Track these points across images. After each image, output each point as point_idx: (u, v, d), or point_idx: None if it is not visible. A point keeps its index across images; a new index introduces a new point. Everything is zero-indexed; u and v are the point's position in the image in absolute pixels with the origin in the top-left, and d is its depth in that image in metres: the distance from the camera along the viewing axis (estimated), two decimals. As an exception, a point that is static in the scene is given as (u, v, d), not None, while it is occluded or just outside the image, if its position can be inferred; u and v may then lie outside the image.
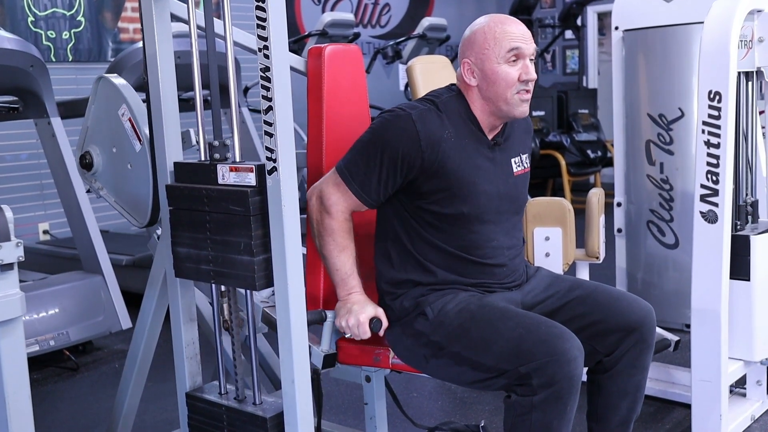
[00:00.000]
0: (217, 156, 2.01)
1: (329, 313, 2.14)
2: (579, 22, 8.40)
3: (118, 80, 2.40)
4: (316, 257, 2.17)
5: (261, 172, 1.86)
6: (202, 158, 2.06)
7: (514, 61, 2.03)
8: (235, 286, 2.01)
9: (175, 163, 2.10)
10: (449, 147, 2.02)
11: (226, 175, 1.94)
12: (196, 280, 2.11)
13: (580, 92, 8.10)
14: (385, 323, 2.09)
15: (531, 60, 2.06)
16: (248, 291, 2.05)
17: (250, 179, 1.89)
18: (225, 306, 2.13)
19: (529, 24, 7.88)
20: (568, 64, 9.47)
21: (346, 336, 2.11)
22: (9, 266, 1.62)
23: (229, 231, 1.93)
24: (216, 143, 2.01)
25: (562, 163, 7.19)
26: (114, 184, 2.43)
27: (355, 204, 2.06)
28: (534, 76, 2.05)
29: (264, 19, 1.75)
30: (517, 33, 2.04)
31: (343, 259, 2.07)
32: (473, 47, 2.07)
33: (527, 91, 2.05)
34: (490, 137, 2.11)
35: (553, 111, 7.73)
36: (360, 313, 2.05)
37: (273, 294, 2.48)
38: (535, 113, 7.52)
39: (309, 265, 2.23)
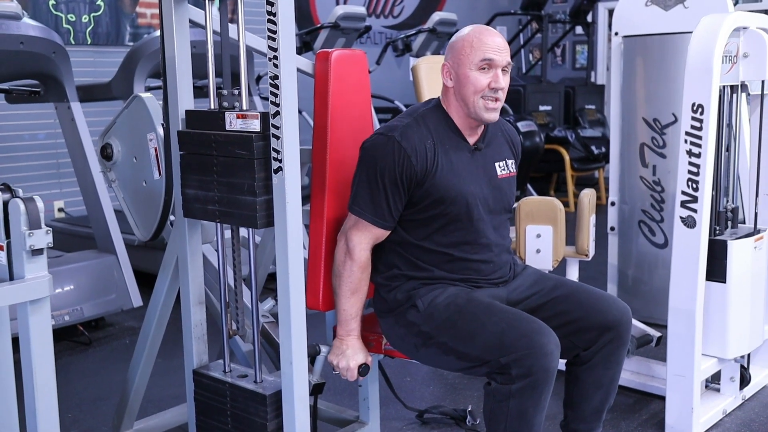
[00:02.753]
0: (225, 104, 2.16)
1: (323, 348, 2.34)
2: (589, 18, 8.48)
3: (152, 106, 2.53)
4: (316, 263, 2.33)
5: (265, 119, 2.01)
6: (212, 107, 2.21)
7: (486, 69, 2.19)
8: (239, 224, 2.16)
9: (187, 111, 2.25)
10: (434, 154, 2.19)
11: (233, 122, 2.09)
12: (202, 219, 2.26)
13: (587, 88, 8.17)
14: (371, 369, 2.31)
15: (504, 71, 2.21)
16: (254, 301, 2.22)
17: (255, 125, 2.04)
18: (230, 318, 2.33)
19: (539, 19, 7.97)
20: (577, 60, 9.57)
21: (335, 372, 2.31)
22: (39, 251, 1.79)
23: (234, 173, 2.08)
24: (225, 92, 2.16)
25: (566, 158, 7.29)
26: (126, 184, 2.59)
27: (375, 234, 2.23)
28: (502, 85, 2.20)
29: (274, 31, 1.91)
30: (492, 45, 2.19)
31: (353, 302, 2.25)
32: (453, 51, 2.24)
33: (495, 99, 2.21)
34: (471, 142, 2.28)
35: (560, 106, 7.81)
36: (351, 359, 2.26)
37: (274, 305, 2.66)
38: (541, 108, 7.61)
39: (310, 270, 2.38)
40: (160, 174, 2.46)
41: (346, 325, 2.27)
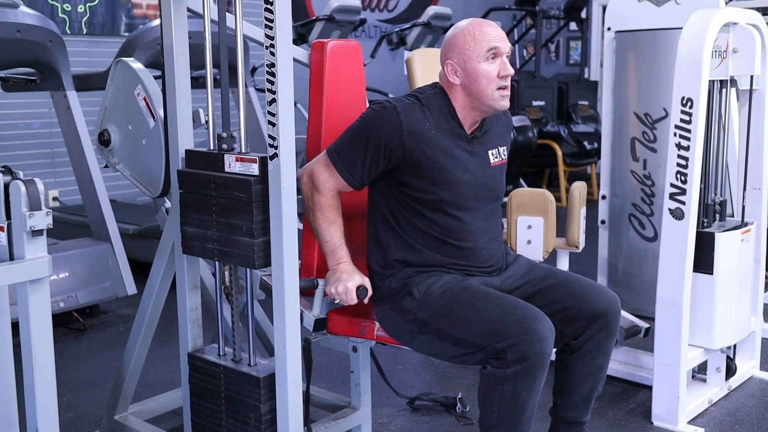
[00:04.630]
0: (224, 146, 2.20)
1: (320, 281, 2.32)
2: (584, 14, 8.52)
3: (134, 64, 2.58)
4: (310, 232, 2.36)
5: (264, 163, 2.06)
6: (211, 147, 2.25)
7: (492, 59, 2.24)
8: (237, 264, 2.21)
9: (187, 151, 2.29)
10: (430, 138, 2.22)
11: (232, 164, 2.14)
12: (201, 257, 2.31)
13: (581, 84, 8.21)
14: (370, 291, 2.28)
15: (507, 57, 2.27)
16: (248, 289, 2.27)
17: (254, 169, 2.08)
18: (226, 273, 2.34)
19: (533, 15, 8.00)
20: (571, 56, 9.61)
21: (336, 302, 2.30)
22: (39, 232, 1.83)
23: (233, 215, 2.12)
24: (224, 135, 2.20)
25: (559, 153, 7.33)
26: (130, 158, 2.62)
27: (341, 184, 2.25)
28: (511, 71, 2.26)
29: (272, 20, 1.94)
30: (494, 34, 2.24)
31: (332, 232, 2.26)
32: (455, 49, 2.26)
33: (506, 87, 2.26)
34: (468, 132, 2.31)
35: (553, 101, 7.85)
36: (348, 281, 2.24)
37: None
38: (534, 103, 7.65)
39: (304, 239, 2.41)
40: (154, 119, 2.49)
41: (335, 255, 2.28)
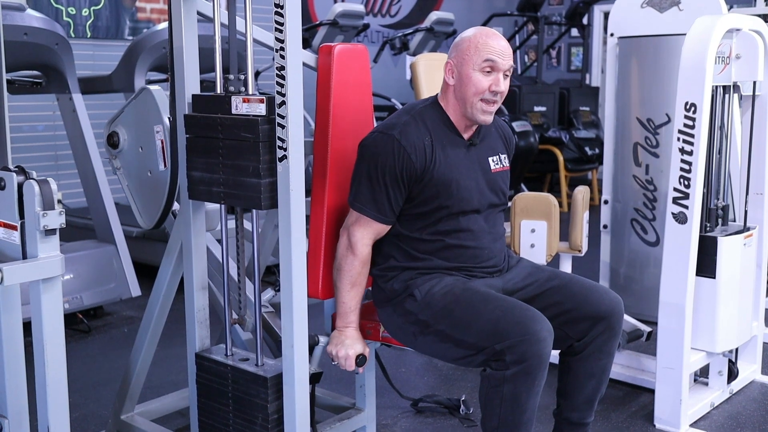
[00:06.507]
0: (231, 89, 2.21)
1: (321, 338, 2.39)
2: (585, 20, 8.55)
3: (160, 98, 2.58)
4: (318, 253, 2.38)
5: (270, 104, 2.06)
6: (218, 91, 2.25)
7: (488, 72, 2.25)
8: (243, 206, 2.21)
9: (194, 95, 2.29)
10: (432, 150, 2.25)
11: (239, 106, 2.14)
12: (207, 201, 2.30)
13: (582, 90, 8.23)
14: (368, 360, 2.36)
15: (506, 75, 2.27)
16: (256, 291, 2.28)
17: (261, 109, 2.09)
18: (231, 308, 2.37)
19: (535, 21, 8.04)
20: (572, 62, 9.64)
21: (333, 363, 2.36)
22: (52, 231, 1.85)
23: (240, 156, 2.13)
24: (231, 77, 2.21)
25: (560, 158, 7.36)
26: (131, 173, 2.64)
27: (377, 229, 2.29)
28: (503, 89, 2.26)
29: (282, 24, 1.96)
30: (496, 48, 2.25)
31: (352, 295, 2.31)
32: (457, 50, 2.29)
33: (493, 102, 2.27)
34: (466, 137, 2.34)
35: (554, 107, 7.87)
36: (350, 347, 2.31)
37: (274, 296, 2.71)
38: (536, 108, 7.67)
39: (310, 260, 2.43)
40: (165, 166, 2.51)
41: (345, 318, 2.33)
